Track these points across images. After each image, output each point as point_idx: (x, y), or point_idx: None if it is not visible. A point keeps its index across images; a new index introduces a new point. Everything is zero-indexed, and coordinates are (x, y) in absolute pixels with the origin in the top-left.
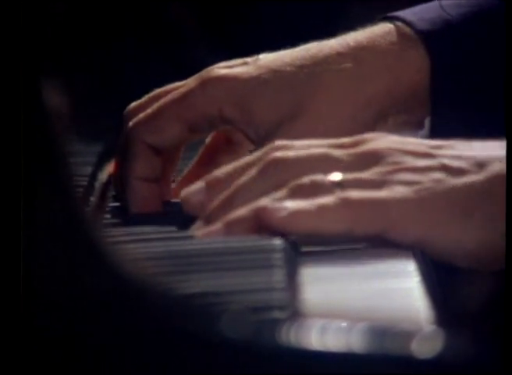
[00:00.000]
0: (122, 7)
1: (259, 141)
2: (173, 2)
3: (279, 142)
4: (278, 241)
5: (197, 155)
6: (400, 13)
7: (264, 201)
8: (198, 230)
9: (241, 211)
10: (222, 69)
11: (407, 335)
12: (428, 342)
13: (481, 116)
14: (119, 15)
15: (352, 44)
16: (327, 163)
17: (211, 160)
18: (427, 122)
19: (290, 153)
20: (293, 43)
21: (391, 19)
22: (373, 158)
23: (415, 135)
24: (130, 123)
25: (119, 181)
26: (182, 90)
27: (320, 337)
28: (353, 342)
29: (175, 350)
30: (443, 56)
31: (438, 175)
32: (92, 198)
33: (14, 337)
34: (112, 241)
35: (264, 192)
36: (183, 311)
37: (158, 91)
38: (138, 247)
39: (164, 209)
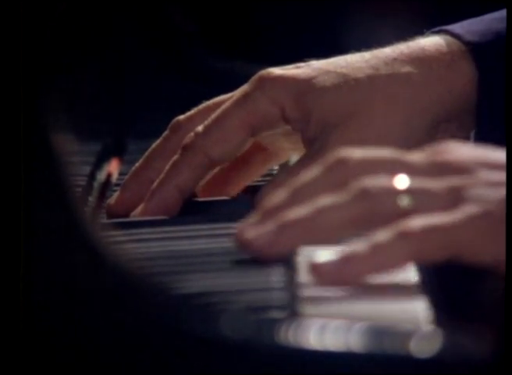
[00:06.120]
0: (121, 7)
1: (315, 141)
2: (173, 3)
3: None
4: None
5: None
6: (448, 27)
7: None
8: (246, 230)
9: (298, 211)
10: (276, 70)
11: (407, 335)
12: (427, 342)
13: None
14: (118, 14)
15: (406, 51)
16: (395, 166)
17: (243, 166)
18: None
19: (356, 153)
20: (292, 43)
21: (438, 33)
22: (448, 168)
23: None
24: (190, 136)
25: (140, 181)
26: (239, 95)
27: (319, 336)
28: (353, 342)
29: (174, 350)
30: (491, 68)
31: None
32: (90, 198)
33: (14, 337)
34: (111, 241)
35: (325, 190)
36: (183, 311)
37: (207, 103)
38: (138, 247)
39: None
